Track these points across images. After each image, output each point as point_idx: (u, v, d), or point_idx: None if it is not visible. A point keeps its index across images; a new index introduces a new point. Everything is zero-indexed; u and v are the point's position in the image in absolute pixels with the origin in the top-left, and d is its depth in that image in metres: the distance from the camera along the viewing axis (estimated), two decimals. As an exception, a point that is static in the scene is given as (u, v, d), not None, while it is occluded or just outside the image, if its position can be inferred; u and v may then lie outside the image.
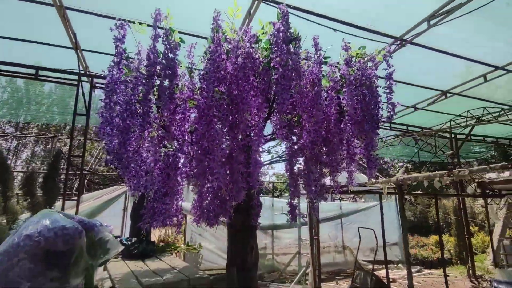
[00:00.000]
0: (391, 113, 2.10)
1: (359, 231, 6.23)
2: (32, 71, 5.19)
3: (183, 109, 1.89)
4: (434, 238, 12.26)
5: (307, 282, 6.99)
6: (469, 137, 8.71)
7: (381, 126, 8.09)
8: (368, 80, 2.07)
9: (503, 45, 4.97)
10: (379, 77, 2.23)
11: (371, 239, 8.17)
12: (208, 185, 1.76)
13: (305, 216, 8.15)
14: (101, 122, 1.93)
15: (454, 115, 6.91)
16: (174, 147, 2.16)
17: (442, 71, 5.88)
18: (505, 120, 6.67)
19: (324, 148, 1.92)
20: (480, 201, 12.27)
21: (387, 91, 2.11)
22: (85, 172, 7.63)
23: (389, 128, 8.01)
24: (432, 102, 6.87)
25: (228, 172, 1.80)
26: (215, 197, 1.82)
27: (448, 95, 6.58)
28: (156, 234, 8.81)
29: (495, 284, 6.22)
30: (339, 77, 2.16)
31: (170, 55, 1.89)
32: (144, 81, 1.83)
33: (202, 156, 1.73)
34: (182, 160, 2.12)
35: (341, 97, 2.15)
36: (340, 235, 9.56)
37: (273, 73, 1.92)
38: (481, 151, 10.67)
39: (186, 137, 1.89)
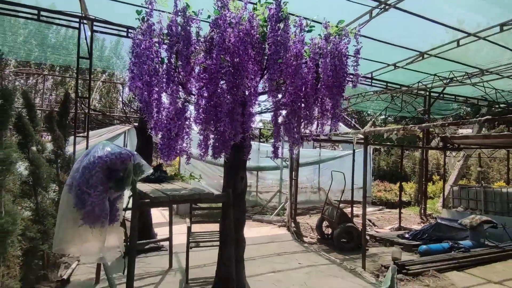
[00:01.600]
0: (355, 81, 2.74)
1: (331, 174, 7.24)
2: (35, 12, 5.34)
3: (197, 71, 2.48)
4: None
5: (285, 214, 8.22)
6: (442, 96, 9.52)
7: (362, 82, 8.67)
8: (340, 54, 2.66)
9: (474, 14, 5.49)
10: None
11: (342, 182, 9.40)
12: (217, 129, 2.44)
13: (287, 160, 9.14)
14: (132, 77, 2.50)
15: (430, 74, 7.53)
16: (186, 99, 2.77)
17: (421, 34, 6.38)
18: (478, 82, 7.40)
19: (302, 105, 2.58)
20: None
21: (354, 64, 2.72)
22: (93, 113, 8.12)
23: (370, 84, 8.64)
24: (410, 62, 7.46)
25: (229, 120, 2.47)
26: (220, 138, 2.52)
27: (425, 56, 7.15)
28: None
29: (439, 220, 7.60)
30: (317, 50, 2.74)
31: (187, 27, 2.40)
32: (167, 47, 2.37)
33: (211, 108, 2.38)
34: (193, 110, 2.76)
35: (319, 66, 2.77)
36: (317, 178, 10.74)
37: (267, 46, 2.49)
38: (454, 108, 11.56)
39: (199, 92, 2.51)
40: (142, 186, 2.90)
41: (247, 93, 2.50)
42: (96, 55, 7.26)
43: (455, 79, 7.22)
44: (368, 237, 6.43)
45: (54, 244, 2.20)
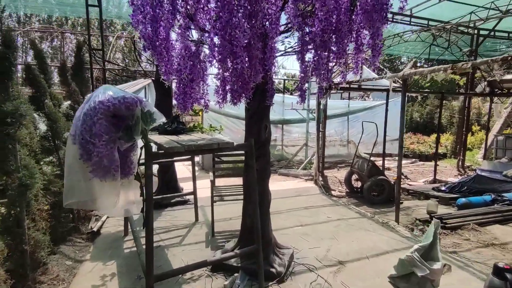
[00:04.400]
0: (403, 3, 2.20)
1: (362, 125, 6.75)
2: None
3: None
4: (435, 136, 13.01)
5: (311, 168, 7.99)
6: (492, 33, 8.28)
7: (400, 21, 7.66)
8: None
9: None
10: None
11: (374, 134, 8.87)
12: (233, 66, 2.07)
13: (313, 111, 8.67)
14: (133, 11, 2.15)
15: (477, 6, 6.44)
16: (199, 40, 2.39)
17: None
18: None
19: (333, 37, 2.13)
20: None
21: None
22: (109, 68, 7.92)
23: (408, 22, 7.63)
24: (459, -8, 6.38)
25: (247, 56, 2.08)
26: (238, 79, 2.17)
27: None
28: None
29: (478, 172, 7.04)
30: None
31: None
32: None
33: (226, 42, 2.00)
34: (206, 50, 2.39)
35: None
36: (346, 131, 10.24)
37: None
38: (502, 49, 10.19)
39: (210, 24, 2.11)
40: (157, 138, 2.68)
41: (267, 24, 2.08)
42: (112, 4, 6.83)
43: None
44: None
45: (64, 199, 2.09)
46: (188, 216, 4.63)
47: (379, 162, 7.66)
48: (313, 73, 2.27)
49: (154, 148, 2.38)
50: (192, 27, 2.25)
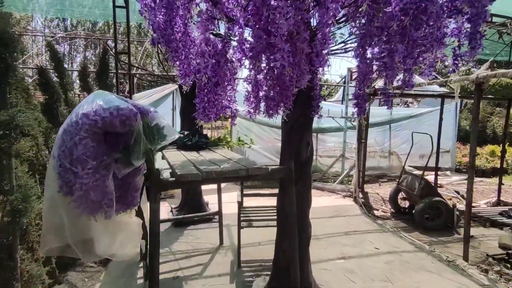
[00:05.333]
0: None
1: (412, 136, 5.88)
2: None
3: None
4: (490, 147, 11.50)
5: (349, 182, 7.19)
6: None
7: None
8: None
9: None
10: None
11: (421, 145, 7.85)
12: (270, 64, 1.49)
13: (352, 120, 7.87)
14: (141, -6, 1.65)
15: None
16: (226, 34, 1.85)
17: None
18: None
19: (422, 18, 1.46)
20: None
21: None
22: (134, 72, 7.72)
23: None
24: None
25: (289, 51, 1.50)
26: (276, 82, 1.58)
27: None
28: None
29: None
30: None
31: None
32: None
33: (260, 31, 1.43)
34: (234, 44, 1.84)
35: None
36: (388, 141, 9.29)
37: None
38: None
39: (240, 8, 1.56)
40: (173, 156, 2.17)
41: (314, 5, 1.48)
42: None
43: None
44: (457, 213, 5.15)
45: (42, 245, 1.59)
46: (212, 238, 4.10)
47: (427, 177, 6.69)
48: (381, 75, 1.63)
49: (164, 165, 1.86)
50: (217, 15, 1.71)
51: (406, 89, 1.66)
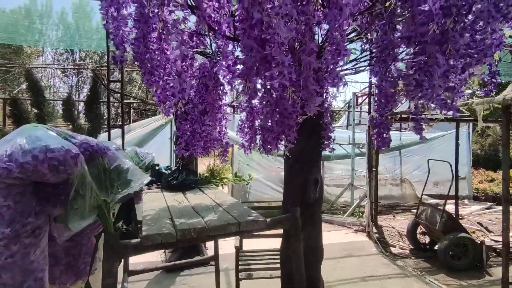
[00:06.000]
0: None
1: (428, 164, 5.39)
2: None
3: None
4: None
5: (361, 214, 6.63)
6: None
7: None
8: None
9: None
10: None
11: (435, 172, 7.34)
12: (266, 85, 1.10)
13: (360, 146, 7.45)
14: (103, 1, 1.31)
15: None
16: (210, 42, 1.49)
17: None
18: None
19: (466, 21, 1.09)
20: None
21: None
22: (126, 101, 7.46)
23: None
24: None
25: (291, 65, 1.11)
26: (275, 108, 1.19)
27: None
28: (205, 164, 8.89)
29: None
30: None
31: None
32: None
33: (251, 41, 1.05)
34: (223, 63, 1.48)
35: None
36: (398, 167, 8.78)
37: None
38: None
39: (223, 18, 1.20)
40: (151, 199, 1.75)
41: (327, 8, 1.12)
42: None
43: None
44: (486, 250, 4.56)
45: None
46: (208, 285, 3.56)
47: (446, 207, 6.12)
48: (413, 94, 1.23)
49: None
50: (198, 25, 1.35)
51: (446, 114, 1.25)
